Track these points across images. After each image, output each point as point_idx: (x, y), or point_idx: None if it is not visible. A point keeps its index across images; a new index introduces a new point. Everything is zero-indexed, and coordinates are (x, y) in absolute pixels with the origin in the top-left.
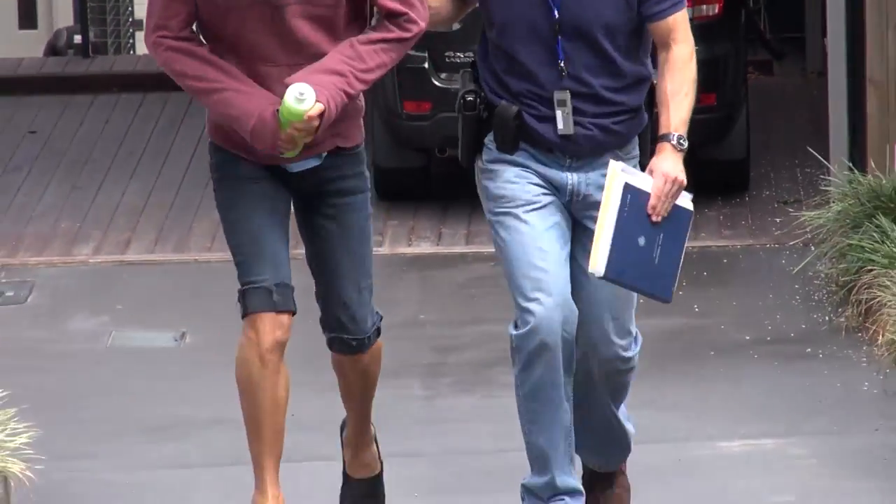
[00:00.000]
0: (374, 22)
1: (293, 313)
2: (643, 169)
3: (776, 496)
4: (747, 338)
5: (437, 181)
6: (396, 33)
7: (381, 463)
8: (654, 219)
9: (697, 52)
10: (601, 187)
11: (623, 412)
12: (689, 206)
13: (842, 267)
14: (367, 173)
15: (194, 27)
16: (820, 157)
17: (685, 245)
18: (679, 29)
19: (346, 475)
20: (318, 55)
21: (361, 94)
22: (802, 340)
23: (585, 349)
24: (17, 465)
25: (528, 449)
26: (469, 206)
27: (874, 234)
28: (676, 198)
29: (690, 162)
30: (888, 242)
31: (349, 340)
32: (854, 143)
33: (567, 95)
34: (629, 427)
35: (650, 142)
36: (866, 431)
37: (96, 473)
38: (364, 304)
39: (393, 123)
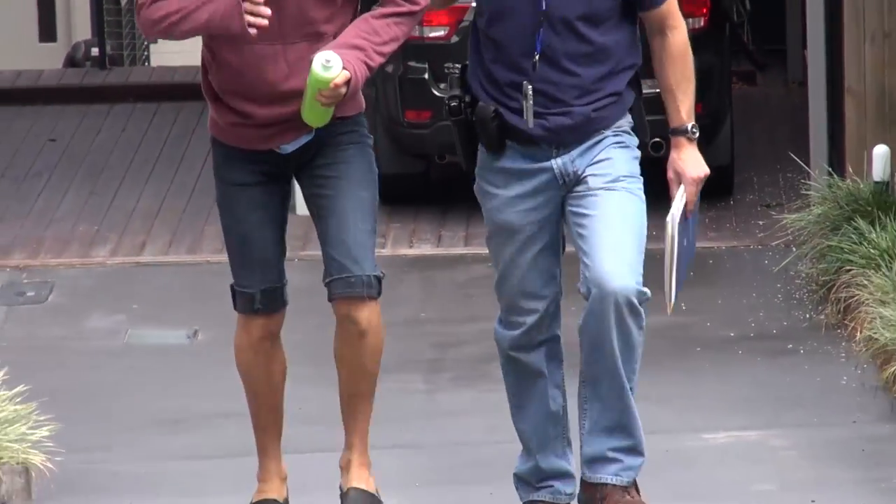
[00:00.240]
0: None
1: (280, 310)
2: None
3: (759, 485)
4: (732, 334)
5: (437, 186)
6: (406, 7)
7: (381, 501)
8: (688, 217)
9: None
10: (584, 155)
11: (633, 405)
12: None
13: (821, 267)
14: (367, 133)
15: None
16: (801, 162)
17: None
18: (673, 15)
19: (342, 494)
20: (315, 34)
21: None
22: (784, 337)
23: (598, 281)
24: (38, 456)
25: (517, 434)
26: (467, 210)
27: (852, 236)
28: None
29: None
30: (866, 244)
31: (347, 278)
32: (833, 149)
33: (529, 89)
34: (635, 413)
35: (641, 113)
36: (845, 424)
37: (113, 464)
38: (362, 245)
39: (395, 131)
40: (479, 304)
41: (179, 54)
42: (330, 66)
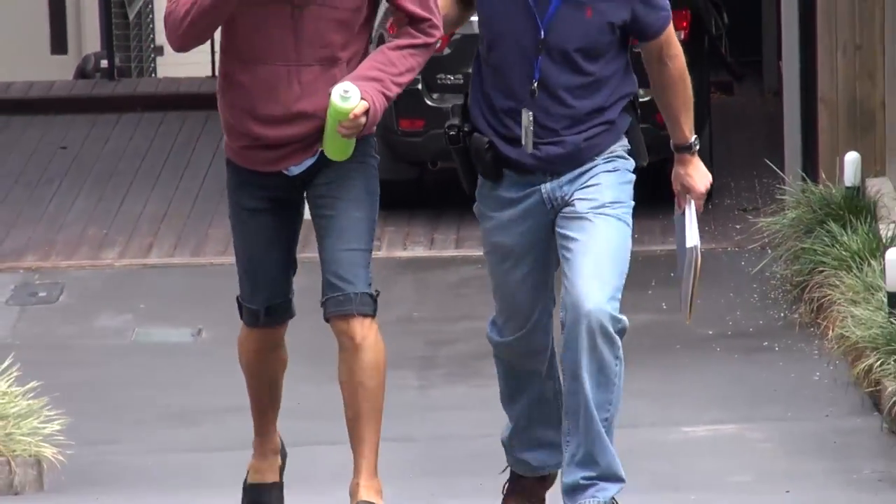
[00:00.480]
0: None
1: (283, 323)
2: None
3: (736, 476)
4: (710, 332)
5: (430, 191)
6: (422, 39)
7: None
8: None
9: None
10: (572, 181)
11: (611, 446)
12: None
13: (795, 268)
14: (373, 152)
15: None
16: (776, 168)
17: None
18: (671, 44)
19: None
20: (330, 58)
21: None
22: (760, 335)
23: (574, 307)
24: (50, 449)
25: (507, 415)
26: (458, 214)
27: (825, 239)
28: None
29: (659, 174)
30: (838, 246)
31: (338, 297)
32: (807, 156)
33: (530, 118)
34: (615, 457)
35: (637, 135)
36: (817, 417)
37: (121, 457)
38: (354, 265)
39: (389, 139)
40: (470, 303)
41: (184, 66)
42: (348, 96)
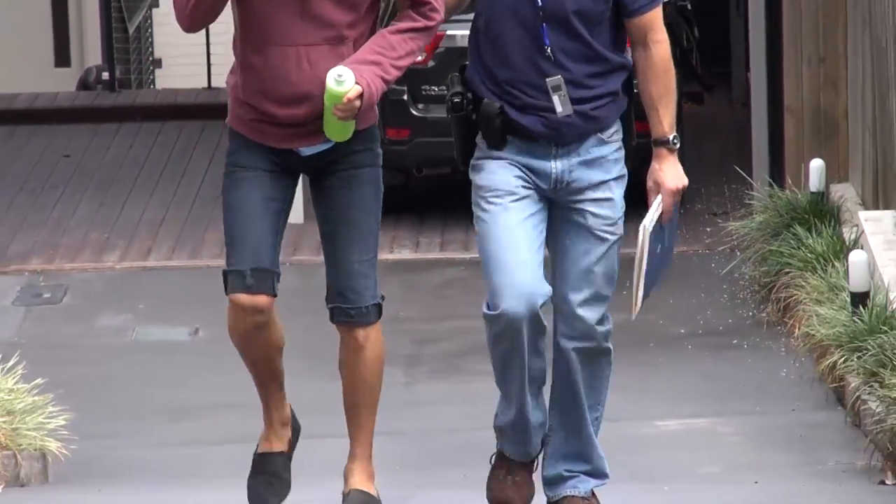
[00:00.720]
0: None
1: (268, 294)
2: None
3: (707, 468)
4: (682, 331)
5: (415, 197)
6: (422, 22)
7: (381, 502)
8: (664, 223)
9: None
10: (584, 176)
11: (598, 446)
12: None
13: (763, 270)
14: (380, 151)
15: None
16: (745, 174)
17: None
18: (656, 27)
19: (344, 496)
20: (337, 38)
21: None
22: (730, 333)
23: (567, 328)
24: (54, 443)
25: (499, 386)
26: (442, 219)
27: (791, 241)
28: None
29: (632, 179)
30: (803, 248)
31: (347, 309)
32: (774, 162)
33: (560, 81)
34: (602, 456)
35: (630, 124)
36: (784, 412)
37: (122, 450)
38: (363, 276)
39: None
40: (453, 303)
41: (182, 78)
42: (342, 80)
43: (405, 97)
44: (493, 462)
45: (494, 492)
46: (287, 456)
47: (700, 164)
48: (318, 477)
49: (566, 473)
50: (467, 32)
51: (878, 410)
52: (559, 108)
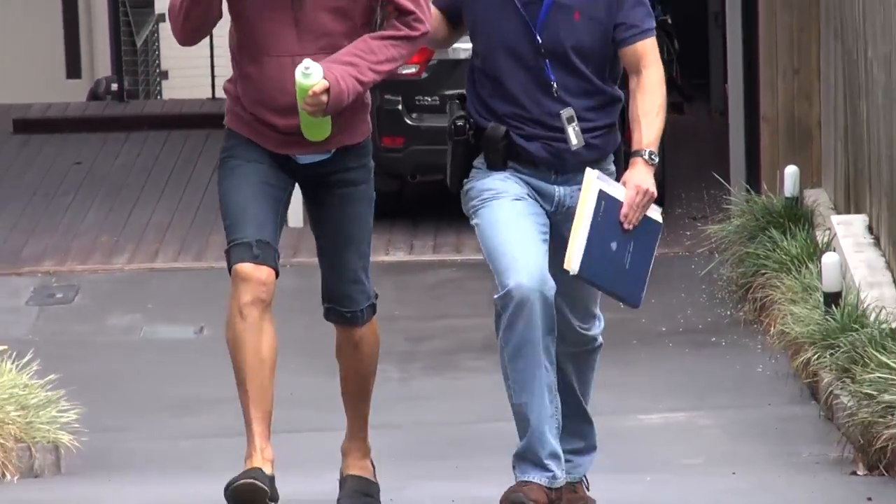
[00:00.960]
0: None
1: (276, 272)
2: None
3: (688, 459)
4: (663, 329)
5: (409, 202)
6: (405, 31)
7: (378, 484)
8: (626, 226)
9: (624, 93)
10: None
11: (594, 430)
12: (659, 218)
13: (740, 271)
14: (372, 164)
15: None
16: (722, 180)
17: (654, 255)
18: (648, 55)
19: (342, 476)
20: (333, 47)
21: (368, 93)
22: (708, 331)
23: (559, 339)
24: (66, 436)
25: (514, 413)
26: (435, 223)
27: (767, 244)
28: (647, 209)
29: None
30: (778, 251)
31: (343, 312)
32: (750, 169)
33: (573, 112)
34: (594, 435)
35: (623, 158)
36: (760, 406)
37: (130, 442)
38: (358, 282)
39: (372, 155)
40: (446, 303)
41: (187, 89)
42: (309, 73)
43: (400, 107)
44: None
45: (504, 497)
46: (269, 476)
47: (680, 171)
48: (317, 469)
49: (566, 455)
50: (458, 45)
51: (849, 405)
52: (573, 141)
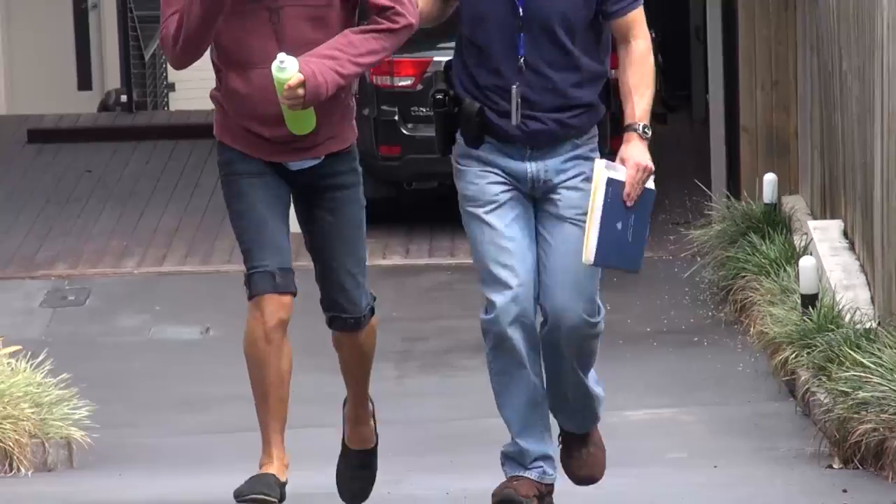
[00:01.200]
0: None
1: (294, 294)
2: (604, 155)
3: (672, 453)
4: (648, 330)
5: (406, 208)
6: (385, 24)
7: (377, 437)
8: (627, 204)
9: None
10: (559, 171)
11: (592, 377)
12: (652, 185)
13: (721, 274)
14: (359, 168)
15: None
16: (704, 188)
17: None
18: (637, 25)
19: (344, 445)
20: None
21: (354, 100)
22: (691, 331)
23: (554, 316)
24: (78, 432)
25: (503, 420)
26: (430, 228)
27: (747, 248)
28: (645, 183)
29: None
30: (758, 255)
31: (346, 319)
32: (731, 176)
33: (519, 92)
34: (598, 391)
35: (614, 131)
36: (741, 403)
37: (140, 438)
38: (358, 286)
39: (370, 163)
40: (440, 305)
41: (193, 101)
42: (284, 67)
43: (396, 118)
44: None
45: (496, 492)
46: (280, 480)
47: (663, 178)
48: (319, 463)
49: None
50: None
51: (825, 401)
52: (513, 116)
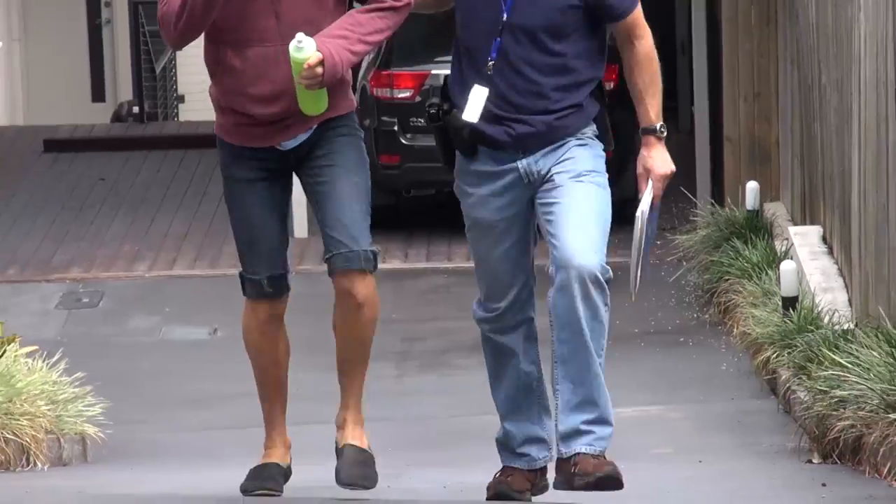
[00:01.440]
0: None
1: (287, 291)
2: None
3: (660, 448)
4: (636, 330)
5: (405, 214)
6: (388, 3)
7: (372, 455)
8: (654, 207)
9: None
10: (548, 156)
11: (601, 376)
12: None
13: (706, 277)
14: (358, 128)
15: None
16: (689, 195)
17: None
18: (638, 25)
19: (338, 449)
20: (313, 34)
21: (349, 70)
22: (677, 332)
23: (563, 259)
24: (92, 428)
25: (494, 403)
26: (428, 234)
27: (730, 253)
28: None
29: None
30: (741, 259)
31: (345, 253)
32: (715, 184)
33: (483, 93)
34: (609, 400)
35: (608, 125)
36: (725, 400)
37: (151, 434)
38: (358, 224)
39: (371, 172)
40: (438, 307)
41: (202, 112)
42: (302, 47)
43: (395, 128)
44: (495, 477)
45: (491, 486)
46: (283, 469)
47: None
48: (318, 458)
49: (584, 427)
50: (448, 72)
51: (805, 399)
52: (467, 117)
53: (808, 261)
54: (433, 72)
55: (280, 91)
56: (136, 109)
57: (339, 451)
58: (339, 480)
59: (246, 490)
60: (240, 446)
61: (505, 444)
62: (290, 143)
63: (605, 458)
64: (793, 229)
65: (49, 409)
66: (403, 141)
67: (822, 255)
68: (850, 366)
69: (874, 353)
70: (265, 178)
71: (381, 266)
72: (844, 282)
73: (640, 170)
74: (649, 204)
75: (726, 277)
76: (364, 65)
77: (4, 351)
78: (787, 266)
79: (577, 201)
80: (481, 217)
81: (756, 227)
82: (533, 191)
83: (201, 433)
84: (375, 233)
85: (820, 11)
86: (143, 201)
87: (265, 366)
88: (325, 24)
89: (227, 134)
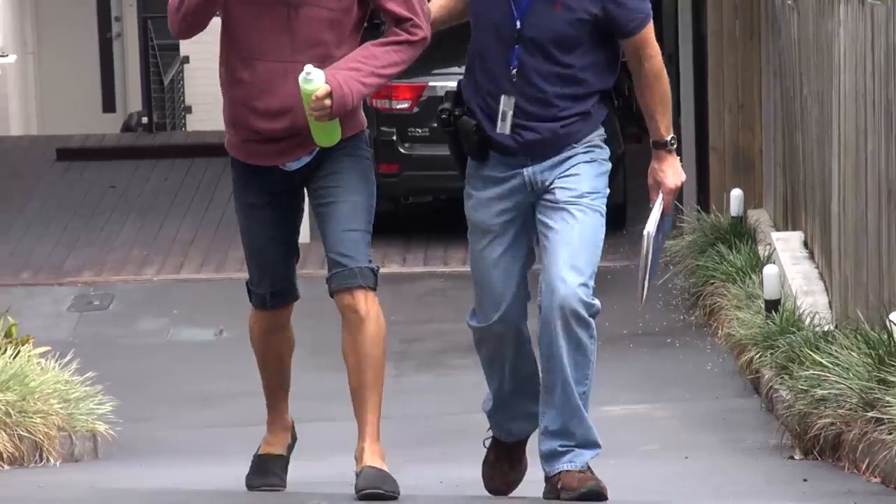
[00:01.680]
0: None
1: (291, 304)
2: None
3: (646, 446)
4: (625, 331)
5: (403, 220)
6: (404, 36)
7: (395, 480)
8: (665, 216)
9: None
10: (553, 168)
11: (585, 407)
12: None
13: (692, 281)
14: (365, 148)
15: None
16: (676, 202)
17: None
18: (648, 44)
19: (357, 473)
20: (323, 56)
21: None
22: (664, 334)
23: (549, 286)
24: (103, 426)
25: (489, 389)
26: (426, 239)
27: (715, 257)
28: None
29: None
30: (725, 263)
31: (342, 271)
32: (701, 191)
33: (511, 102)
34: (592, 426)
35: (619, 132)
36: (710, 399)
37: (159, 432)
38: (354, 242)
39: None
40: (435, 309)
41: (209, 122)
42: (311, 79)
43: (394, 137)
44: (487, 449)
45: (486, 481)
46: (285, 459)
47: (639, 192)
48: (324, 454)
49: (560, 448)
50: (448, 84)
51: (787, 398)
52: (499, 129)
53: (790, 265)
54: (430, 84)
55: (286, 107)
56: (145, 119)
57: (358, 474)
58: (358, 488)
59: (251, 486)
60: (244, 443)
61: (493, 418)
62: (295, 165)
63: (589, 472)
64: (775, 235)
65: (61, 408)
66: (402, 150)
67: (803, 259)
68: (830, 366)
69: (853, 354)
70: (270, 201)
71: (380, 270)
72: (825, 285)
73: (650, 181)
74: (657, 220)
75: (711, 281)
76: None
77: (18, 351)
78: (769, 270)
79: (572, 230)
80: (480, 219)
81: (740, 232)
82: (535, 198)
83: (207, 431)
84: (375, 238)
85: (801, 26)
86: (152, 208)
87: (269, 363)
88: (337, 49)
89: (235, 150)
